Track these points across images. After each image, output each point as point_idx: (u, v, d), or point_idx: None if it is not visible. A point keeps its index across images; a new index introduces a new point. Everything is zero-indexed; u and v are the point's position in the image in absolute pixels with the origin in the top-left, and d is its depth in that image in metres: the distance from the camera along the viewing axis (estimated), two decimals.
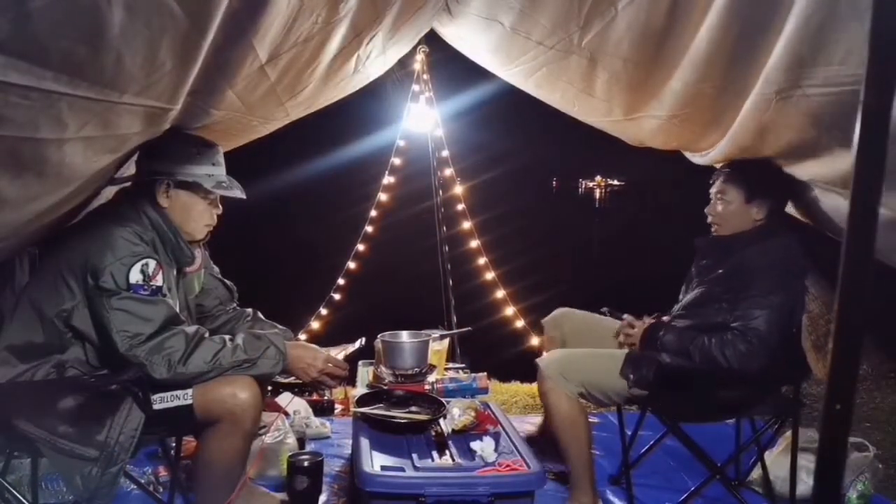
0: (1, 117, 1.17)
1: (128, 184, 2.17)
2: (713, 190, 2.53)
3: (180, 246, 2.11)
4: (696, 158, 2.85)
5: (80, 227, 2.04)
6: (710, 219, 2.55)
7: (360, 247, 4.38)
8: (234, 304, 2.49)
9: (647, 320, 2.59)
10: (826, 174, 2.17)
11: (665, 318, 2.59)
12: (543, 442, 2.49)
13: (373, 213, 4.36)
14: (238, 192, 2.18)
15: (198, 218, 2.16)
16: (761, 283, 2.29)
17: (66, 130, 1.39)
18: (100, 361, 1.98)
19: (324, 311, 4.38)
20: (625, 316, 2.68)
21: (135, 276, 1.91)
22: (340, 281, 4.41)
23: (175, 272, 2.15)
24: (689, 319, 2.47)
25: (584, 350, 2.64)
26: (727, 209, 2.47)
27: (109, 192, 2.24)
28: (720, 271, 2.44)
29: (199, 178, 2.10)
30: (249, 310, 2.49)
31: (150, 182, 2.08)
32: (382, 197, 4.33)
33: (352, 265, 4.40)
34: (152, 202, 2.07)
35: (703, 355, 2.30)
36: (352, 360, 2.35)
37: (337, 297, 4.39)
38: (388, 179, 4.31)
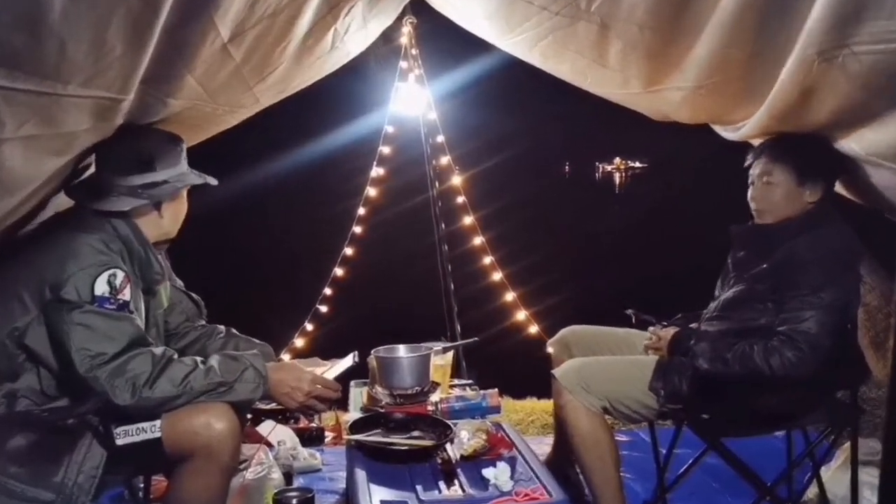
0: None
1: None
2: (756, 171, 2.48)
3: (150, 260, 2.12)
4: (728, 134, 2.85)
5: (34, 238, 2.06)
6: (754, 205, 2.50)
7: (348, 250, 4.39)
8: (203, 321, 2.49)
9: (670, 330, 2.55)
10: (878, 144, 2.17)
11: (693, 325, 2.57)
12: (555, 469, 2.48)
13: (360, 210, 4.35)
14: (211, 179, 2.26)
15: (181, 215, 2.25)
16: (812, 279, 2.25)
17: (3, 129, 1.39)
18: (56, 389, 1.98)
19: (309, 326, 4.39)
20: (650, 329, 2.65)
21: (100, 288, 1.91)
22: (327, 290, 4.41)
23: (141, 293, 2.15)
24: (726, 322, 2.45)
25: (607, 358, 2.64)
26: (776, 193, 2.42)
27: (65, 201, 2.24)
28: (764, 266, 2.39)
29: (175, 180, 2.14)
30: (222, 326, 2.49)
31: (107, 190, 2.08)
32: (371, 192, 4.33)
33: (339, 272, 4.40)
34: (121, 213, 2.08)
35: (744, 365, 2.26)
36: (343, 378, 2.34)
37: (323, 308, 4.40)
38: (376, 171, 4.31)
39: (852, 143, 2.28)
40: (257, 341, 2.45)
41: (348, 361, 2.47)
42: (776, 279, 2.34)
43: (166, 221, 2.18)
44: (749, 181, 2.51)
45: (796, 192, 2.40)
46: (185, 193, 2.24)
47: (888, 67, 1.75)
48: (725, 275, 2.62)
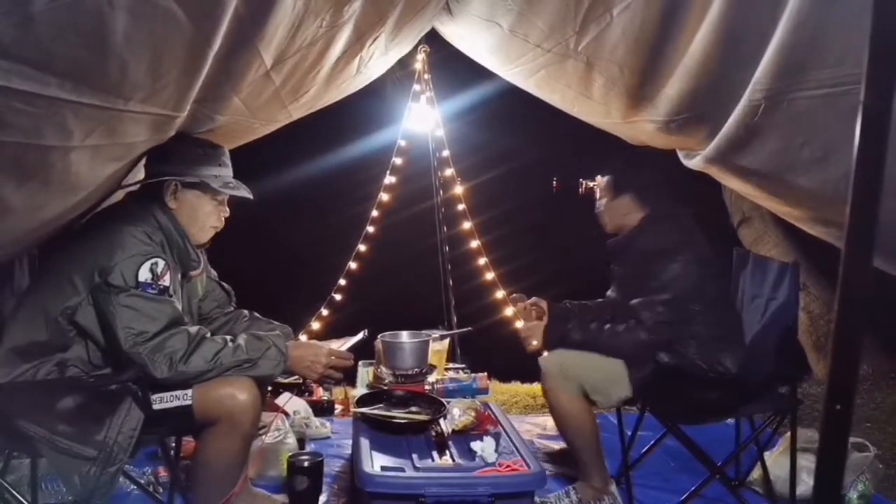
0: (5, 123, 1.17)
1: (136, 187, 2.17)
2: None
3: (187, 249, 2.11)
4: (686, 161, 2.84)
5: (87, 227, 2.05)
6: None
7: (362, 247, 4.38)
8: (232, 307, 2.48)
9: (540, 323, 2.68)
10: (807, 186, 2.17)
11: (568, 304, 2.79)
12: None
13: (374, 213, 4.34)
14: (245, 192, 2.18)
15: (205, 219, 2.16)
16: (648, 269, 2.43)
17: (71, 138, 1.38)
18: (102, 360, 1.98)
19: (324, 312, 4.38)
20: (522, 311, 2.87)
21: (144, 275, 1.91)
22: (341, 281, 4.40)
23: (180, 276, 2.15)
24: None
25: (584, 353, 2.66)
26: (602, 204, 2.69)
27: (118, 195, 2.23)
28: (621, 272, 2.64)
29: (206, 179, 2.10)
30: (245, 311, 2.48)
31: (157, 184, 2.08)
32: (384, 197, 4.32)
33: (353, 265, 4.39)
34: (161, 204, 2.07)
35: (607, 347, 2.42)
36: (354, 352, 2.33)
37: (338, 297, 4.39)
38: (389, 179, 4.30)
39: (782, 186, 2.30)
40: (278, 323, 2.44)
41: (360, 335, 2.46)
42: (632, 280, 2.54)
43: (185, 215, 2.11)
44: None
45: (613, 205, 2.63)
46: (208, 198, 2.15)
47: (828, 110, 1.74)
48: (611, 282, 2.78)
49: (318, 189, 4.42)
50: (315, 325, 4.34)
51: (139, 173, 2.16)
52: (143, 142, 1.80)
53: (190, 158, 2.08)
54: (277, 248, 4.68)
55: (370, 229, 4.35)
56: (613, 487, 2.52)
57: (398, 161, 4.28)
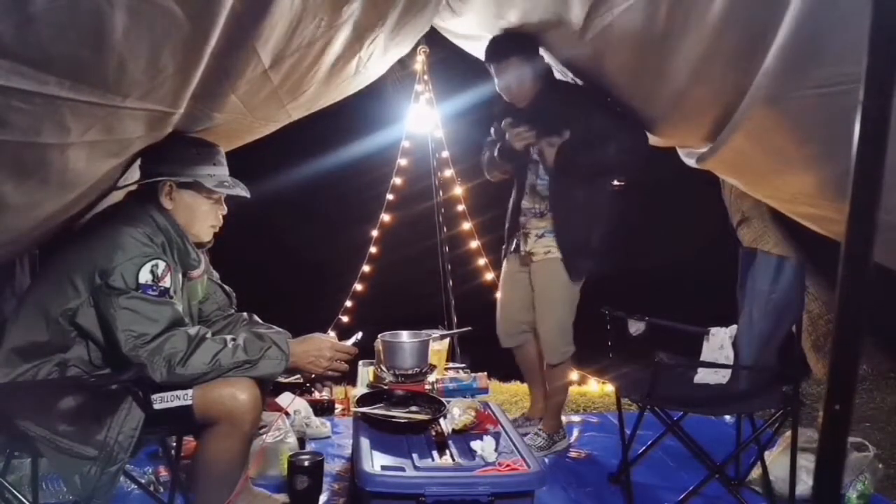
0: (3, 122, 1.17)
1: (134, 187, 2.16)
2: None
3: (187, 249, 2.10)
4: (689, 160, 2.84)
5: (87, 229, 2.03)
6: None
7: (373, 249, 4.38)
8: (233, 310, 2.47)
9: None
10: (806, 185, 2.17)
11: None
12: None
13: (384, 216, 4.34)
14: (241, 191, 2.16)
15: (203, 218, 2.15)
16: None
17: (69, 135, 1.38)
18: (103, 360, 1.97)
19: (325, 312, 4.38)
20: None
21: (144, 276, 1.90)
22: (341, 281, 4.40)
23: (180, 277, 2.14)
24: None
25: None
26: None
27: (117, 196, 2.23)
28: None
29: (200, 178, 2.09)
30: (245, 314, 2.46)
31: (153, 185, 2.07)
32: (389, 197, 4.33)
33: (352, 265, 4.39)
34: (157, 204, 2.06)
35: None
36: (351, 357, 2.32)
37: (338, 297, 4.39)
38: (394, 180, 4.31)
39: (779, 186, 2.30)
40: (276, 328, 2.43)
41: (353, 338, 2.44)
42: None
43: (182, 215, 2.09)
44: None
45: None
46: (204, 197, 2.13)
47: (828, 109, 1.73)
48: None
49: (318, 191, 4.42)
50: (315, 326, 4.34)
51: (136, 173, 2.15)
52: (140, 138, 1.79)
53: (184, 158, 2.07)
54: (277, 249, 4.68)
55: (374, 233, 4.36)
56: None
57: (403, 162, 4.28)
